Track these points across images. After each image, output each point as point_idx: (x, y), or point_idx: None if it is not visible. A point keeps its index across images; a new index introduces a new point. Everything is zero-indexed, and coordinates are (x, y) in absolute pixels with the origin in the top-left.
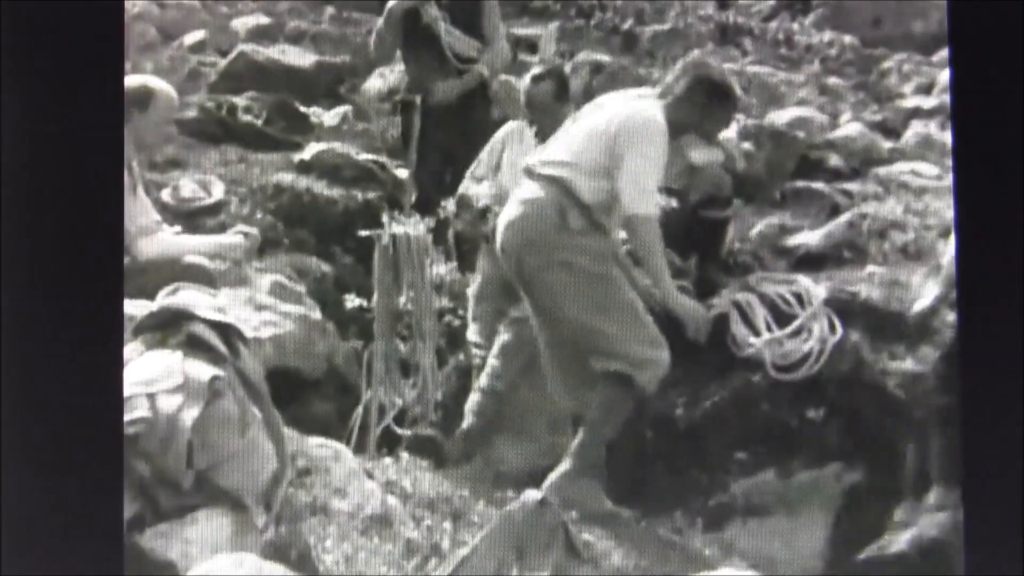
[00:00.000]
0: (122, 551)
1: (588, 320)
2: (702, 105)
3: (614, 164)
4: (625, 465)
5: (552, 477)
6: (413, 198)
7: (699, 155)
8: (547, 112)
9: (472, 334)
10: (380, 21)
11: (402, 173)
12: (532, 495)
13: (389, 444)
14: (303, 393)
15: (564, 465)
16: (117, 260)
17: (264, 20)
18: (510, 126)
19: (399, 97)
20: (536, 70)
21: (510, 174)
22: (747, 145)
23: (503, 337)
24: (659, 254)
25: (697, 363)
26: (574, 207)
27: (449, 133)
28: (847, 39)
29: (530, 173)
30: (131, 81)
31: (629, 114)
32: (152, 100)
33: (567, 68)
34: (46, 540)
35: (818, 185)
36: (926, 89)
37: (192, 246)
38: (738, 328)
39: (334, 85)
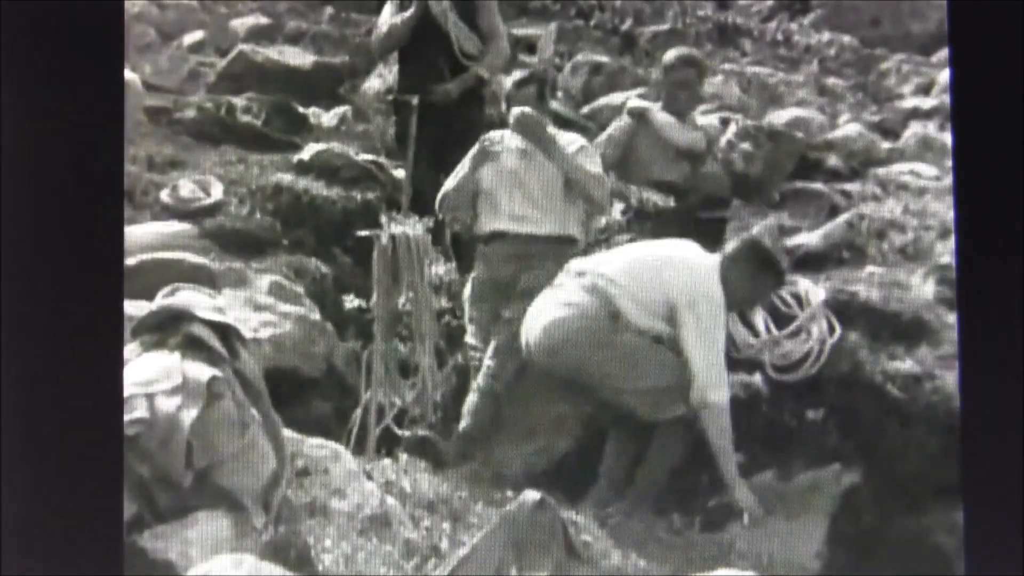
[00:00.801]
0: (121, 551)
1: (637, 384)
2: (750, 274)
3: (670, 318)
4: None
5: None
6: (409, 198)
7: (682, 137)
8: None
9: (468, 336)
10: (398, 18)
11: (400, 174)
12: (531, 496)
13: (388, 445)
14: (302, 394)
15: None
16: (117, 260)
17: (263, 20)
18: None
19: (393, 97)
20: (518, 74)
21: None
22: (746, 145)
23: (498, 338)
24: (729, 439)
25: None
26: (620, 323)
27: (445, 133)
28: (846, 39)
29: (580, 276)
30: None
31: (688, 277)
32: None
33: (563, 70)
34: (46, 540)
35: (817, 185)
36: (925, 90)
37: None
38: (737, 329)
39: (333, 85)
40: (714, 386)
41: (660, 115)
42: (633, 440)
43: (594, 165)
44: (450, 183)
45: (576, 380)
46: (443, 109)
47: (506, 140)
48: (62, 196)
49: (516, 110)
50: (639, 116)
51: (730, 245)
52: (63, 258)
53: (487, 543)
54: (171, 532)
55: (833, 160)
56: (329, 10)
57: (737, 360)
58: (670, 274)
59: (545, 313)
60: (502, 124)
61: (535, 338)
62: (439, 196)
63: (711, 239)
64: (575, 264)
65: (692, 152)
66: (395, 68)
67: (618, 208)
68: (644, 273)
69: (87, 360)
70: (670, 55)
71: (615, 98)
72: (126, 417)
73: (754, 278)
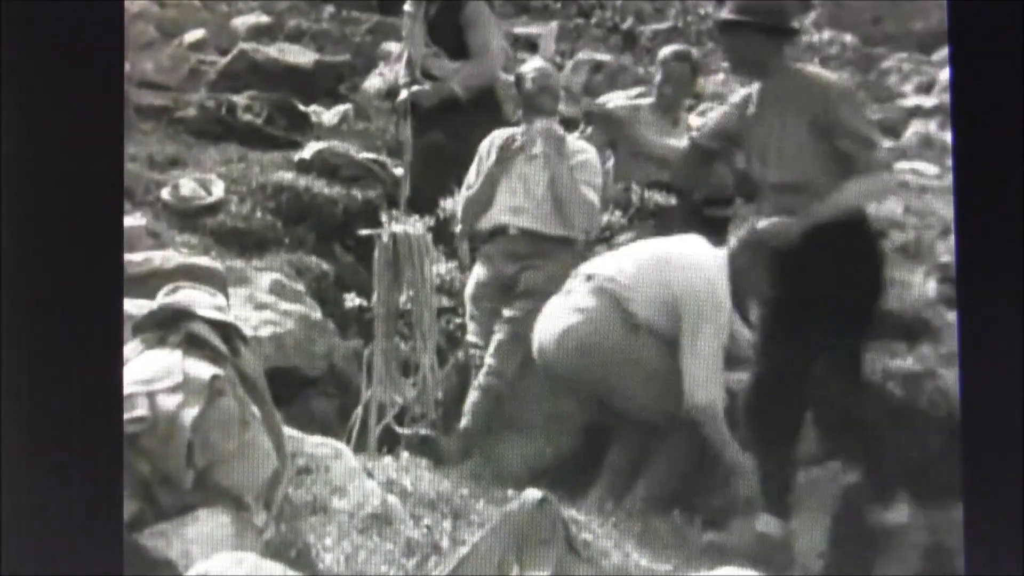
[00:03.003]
0: (122, 550)
1: (657, 400)
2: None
3: (674, 316)
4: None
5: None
6: (406, 199)
7: (655, 144)
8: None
9: (470, 334)
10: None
11: (401, 172)
12: (532, 494)
13: (389, 443)
14: (303, 392)
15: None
16: (117, 259)
17: (264, 19)
18: (494, 134)
19: (394, 97)
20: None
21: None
22: None
23: (498, 336)
24: (726, 433)
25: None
26: (630, 323)
27: (446, 133)
28: (847, 38)
29: (589, 280)
30: None
31: (694, 274)
32: None
33: (564, 69)
34: (46, 539)
35: None
36: (926, 88)
37: None
38: (738, 327)
39: (334, 84)
40: (702, 386)
41: (628, 115)
42: (639, 440)
43: (588, 188)
44: (473, 190)
45: (591, 388)
46: (451, 109)
47: (518, 140)
48: (62, 195)
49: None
50: (601, 119)
51: (736, 237)
52: (63, 256)
53: (488, 541)
54: (171, 530)
55: None
56: (330, 8)
57: (738, 358)
58: (677, 272)
59: (557, 321)
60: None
61: (549, 347)
62: (462, 204)
63: (715, 237)
64: (584, 268)
65: (666, 161)
66: (395, 67)
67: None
68: (651, 272)
69: (87, 358)
70: (665, 50)
71: (616, 96)
72: (126, 415)
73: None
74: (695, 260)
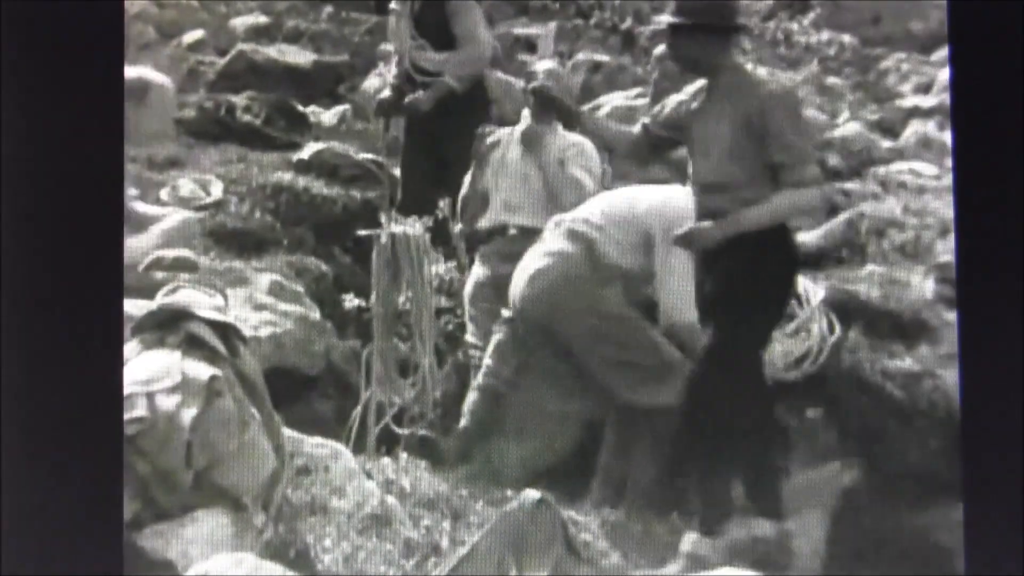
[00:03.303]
0: (121, 550)
1: (620, 356)
2: None
3: (647, 249)
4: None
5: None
6: (398, 200)
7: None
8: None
9: (468, 335)
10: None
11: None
12: (531, 494)
13: (388, 444)
14: (302, 392)
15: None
16: (117, 260)
17: (263, 19)
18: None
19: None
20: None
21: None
22: None
23: (497, 336)
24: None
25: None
26: (600, 264)
27: (440, 133)
28: (846, 38)
29: (559, 225)
30: (128, 73)
31: (662, 206)
32: (149, 94)
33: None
34: (46, 539)
35: None
36: (925, 88)
37: None
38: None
39: (333, 84)
40: (680, 309)
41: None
42: (630, 435)
43: (581, 170)
44: (464, 187)
45: (563, 338)
46: (445, 109)
47: (503, 134)
48: (62, 196)
49: (519, 129)
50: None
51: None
52: (63, 257)
53: (487, 542)
54: (171, 531)
55: (833, 159)
56: (328, 9)
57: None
58: (646, 207)
59: (529, 266)
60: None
61: (520, 290)
62: (459, 202)
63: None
64: (555, 216)
65: (617, 145)
66: (394, 69)
67: None
68: (623, 211)
69: (87, 359)
70: (661, 48)
71: (615, 97)
72: (126, 416)
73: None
74: (667, 195)
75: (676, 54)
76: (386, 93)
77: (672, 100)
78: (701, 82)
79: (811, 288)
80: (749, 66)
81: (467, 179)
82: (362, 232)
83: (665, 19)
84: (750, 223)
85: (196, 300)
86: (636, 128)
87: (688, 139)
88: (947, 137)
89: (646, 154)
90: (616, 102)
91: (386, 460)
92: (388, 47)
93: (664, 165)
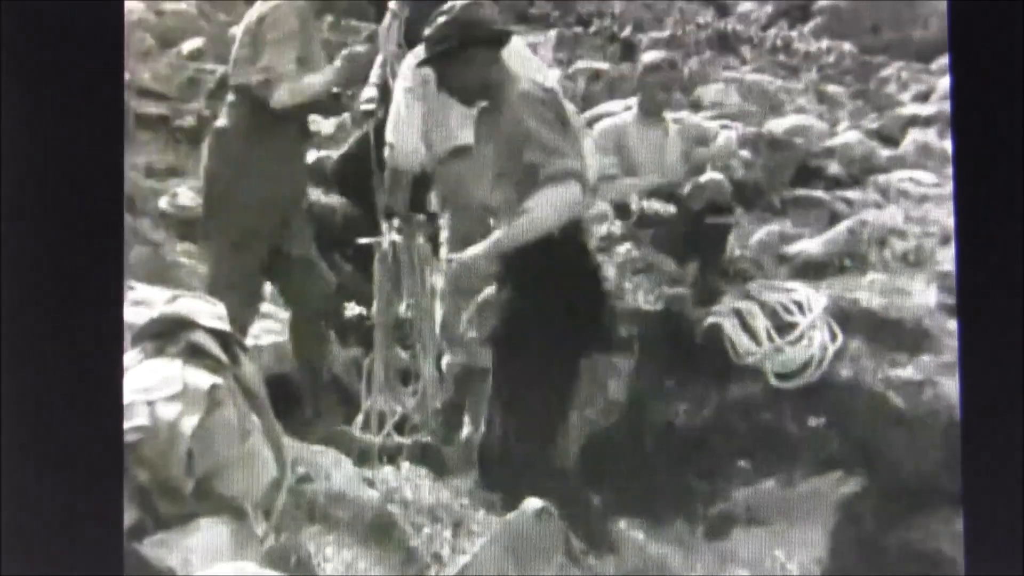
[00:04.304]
0: (122, 559)
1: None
2: None
3: None
4: (626, 474)
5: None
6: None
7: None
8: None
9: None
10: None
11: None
12: (532, 503)
13: (389, 452)
14: (303, 401)
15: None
16: (117, 267)
17: None
18: None
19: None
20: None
21: None
22: (746, 153)
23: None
24: None
25: (697, 371)
26: None
27: None
28: (846, 47)
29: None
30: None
31: None
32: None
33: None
34: (46, 548)
35: (817, 193)
36: (924, 97)
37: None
38: (739, 336)
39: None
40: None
41: None
42: None
43: None
44: None
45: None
46: None
47: None
48: (62, 203)
49: None
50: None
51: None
52: (63, 265)
53: (488, 551)
54: (171, 539)
55: (833, 167)
56: (328, 18)
57: (738, 368)
58: None
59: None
60: None
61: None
62: None
63: (715, 245)
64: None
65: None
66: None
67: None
68: None
69: (87, 367)
70: (644, 58)
71: (614, 105)
72: (126, 424)
73: None
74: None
75: (454, 86)
76: (370, 94)
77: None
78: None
79: (813, 297)
80: (520, 76)
81: None
82: (363, 240)
83: (425, 52)
84: (512, 238)
85: (197, 309)
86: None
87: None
88: (947, 145)
89: None
90: (615, 110)
91: (387, 468)
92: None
93: None
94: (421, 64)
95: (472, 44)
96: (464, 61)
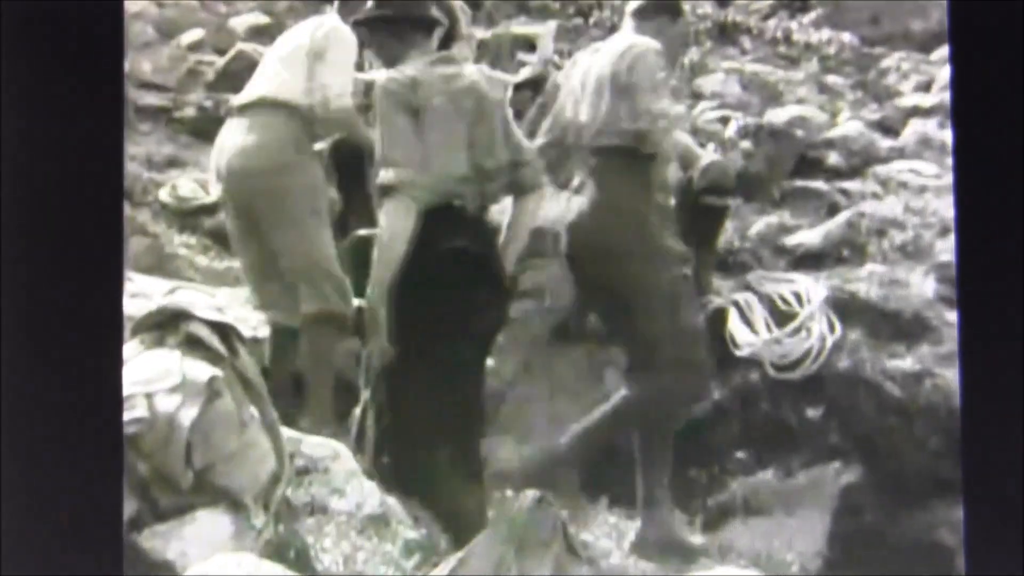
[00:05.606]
0: (121, 551)
1: None
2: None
3: None
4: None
5: None
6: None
7: None
8: None
9: None
10: None
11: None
12: (531, 495)
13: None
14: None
15: None
16: (116, 258)
17: (263, 19)
18: None
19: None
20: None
21: None
22: (746, 143)
23: (499, 338)
24: None
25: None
26: None
27: None
28: (846, 37)
29: None
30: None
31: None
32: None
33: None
34: (45, 540)
35: (817, 184)
36: (925, 87)
37: None
38: (737, 327)
39: None
40: None
41: None
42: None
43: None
44: None
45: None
46: None
47: None
48: (61, 195)
49: None
50: None
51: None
52: (62, 257)
53: (487, 542)
54: (170, 531)
55: (833, 158)
56: (328, 10)
57: (736, 359)
58: None
59: None
60: None
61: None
62: None
63: (709, 227)
64: None
65: None
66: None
67: None
68: None
69: (86, 359)
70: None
71: None
72: (125, 416)
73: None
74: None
75: (378, 52)
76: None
77: None
78: None
79: (812, 288)
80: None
81: None
82: (361, 232)
83: (362, 15)
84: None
85: (196, 300)
86: None
87: None
88: (947, 136)
89: None
90: None
91: (386, 460)
92: None
93: None
94: (356, 24)
95: (403, 20)
96: (395, 34)
